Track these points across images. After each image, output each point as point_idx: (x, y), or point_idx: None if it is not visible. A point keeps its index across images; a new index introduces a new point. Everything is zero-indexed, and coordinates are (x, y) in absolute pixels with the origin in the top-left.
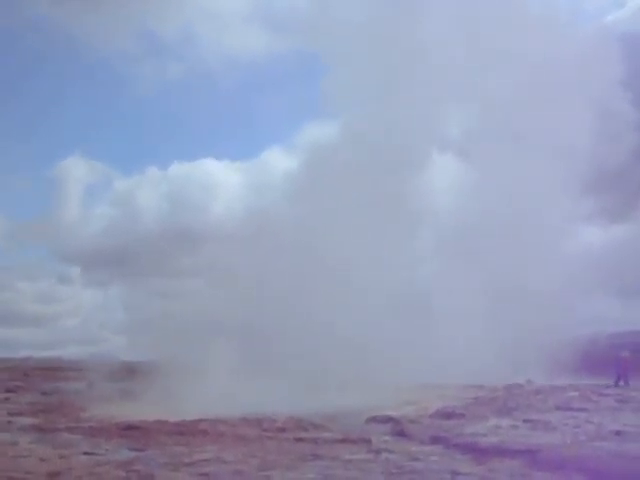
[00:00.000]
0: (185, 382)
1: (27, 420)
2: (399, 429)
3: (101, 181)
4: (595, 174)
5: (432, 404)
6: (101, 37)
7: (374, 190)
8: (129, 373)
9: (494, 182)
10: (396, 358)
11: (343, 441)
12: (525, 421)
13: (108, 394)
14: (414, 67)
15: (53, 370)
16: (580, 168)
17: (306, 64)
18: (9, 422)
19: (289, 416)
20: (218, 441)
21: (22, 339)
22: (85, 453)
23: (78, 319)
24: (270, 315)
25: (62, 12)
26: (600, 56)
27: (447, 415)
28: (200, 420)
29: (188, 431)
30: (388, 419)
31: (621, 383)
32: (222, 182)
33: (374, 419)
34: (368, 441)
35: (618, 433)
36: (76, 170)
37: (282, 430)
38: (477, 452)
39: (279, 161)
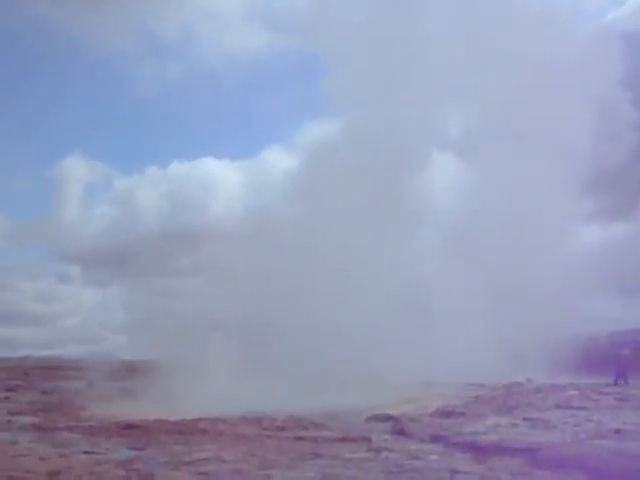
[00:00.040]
0: (185, 381)
1: (27, 419)
2: (399, 428)
3: (101, 181)
4: (595, 174)
5: (432, 403)
6: (101, 37)
7: (374, 190)
8: (129, 372)
9: (494, 182)
10: (396, 357)
11: (343, 440)
12: (525, 419)
13: (108, 393)
14: (414, 67)
15: (53, 369)
16: (580, 168)
17: (306, 64)
18: (9, 421)
19: (289, 415)
20: (218, 440)
21: (22, 338)
22: (85, 452)
23: (78, 318)
24: (270, 314)
25: (62, 12)
26: (600, 55)
27: (447, 414)
28: (200, 419)
29: (188, 430)
30: (388, 418)
31: (621, 381)
32: (222, 181)
33: (374, 418)
34: (368, 440)
35: (618, 431)
36: (76, 170)
37: (282, 429)
38: (477, 451)
39: (279, 160)
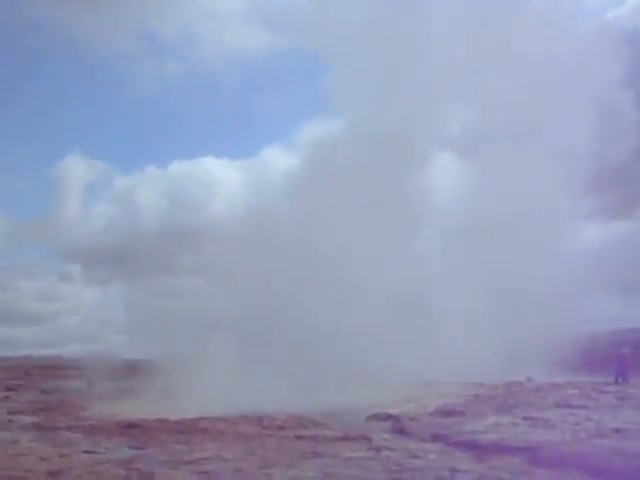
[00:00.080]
0: (185, 380)
1: (27, 419)
2: (399, 427)
3: (101, 180)
4: (595, 173)
5: (432, 402)
6: (101, 37)
7: (374, 189)
8: (129, 371)
9: (494, 181)
10: (396, 357)
11: (343, 439)
12: (525, 418)
13: (108, 392)
14: (414, 67)
15: (53, 369)
16: (580, 167)
17: (305, 63)
18: (9, 421)
19: (289, 414)
20: (218, 439)
21: (23, 337)
22: (85, 452)
23: (78, 317)
24: (270, 313)
25: (62, 12)
26: (600, 55)
27: (447, 413)
28: (200, 418)
29: (188, 429)
30: (388, 417)
31: (620, 380)
32: (222, 180)
33: (374, 417)
34: (368, 439)
35: (618, 430)
36: (76, 169)
37: (282, 428)
38: (477, 450)
39: (278, 159)
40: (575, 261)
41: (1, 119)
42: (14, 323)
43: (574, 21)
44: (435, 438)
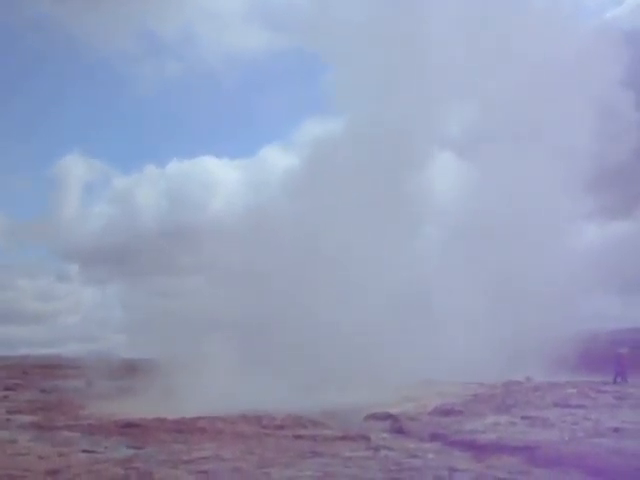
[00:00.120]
0: (185, 380)
1: (26, 418)
2: (398, 426)
3: (100, 179)
4: (595, 173)
5: (431, 401)
6: (101, 37)
7: (374, 189)
8: (128, 371)
9: (494, 181)
10: (396, 356)
11: (342, 438)
12: (523, 418)
13: (107, 392)
14: (414, 67)
15: (52, 368)
16: (580, 167)
17: (304, 63)
18: (8, 420)
19: (288, 413)
20: (217, 438)
21: (21, 337)
22: (84, 451)
23: (77, 317)
24: (270, 313)
25: (62, 11)
26: (600, 55)
27: (446, 412)
28: (199, 418)
29: (187, 429)
30: (387, 416)
31: (619, 380)
32: (221, 180)
33: (373, 416)
34: (367, 438)
35: (616, 430)
36: (75, 168)
37: (281, 427)
38: (476, 449)
39: (277, 159)
40: (575, 261)
41: (1, 119)
42: (13, 322)
43: (574, 21)
44: (434, 437)
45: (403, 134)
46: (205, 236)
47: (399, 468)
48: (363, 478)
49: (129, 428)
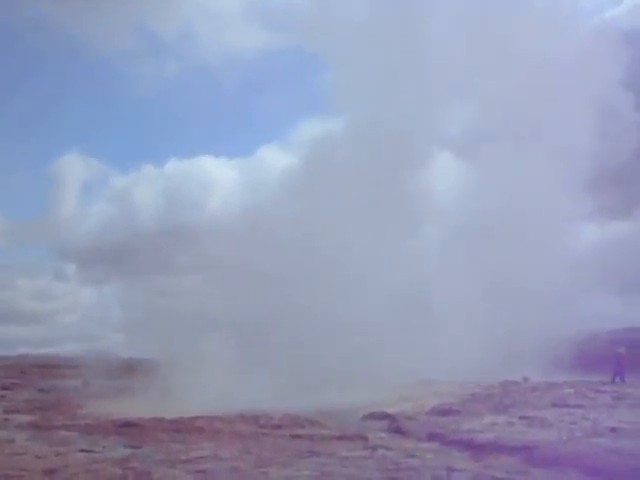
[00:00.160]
0: (183, 379)
1: (24, 417)
2: (396, 426)
3: (98, 178)
4: (595, 172)
5: (429, 401)
6: (100, 36)
7: (374, 189)
8: (126, 370)
9: (494, 181)
10: (395, 356)
11: (340, 438)
12: (521, 418)
13: (105, 391)
14: (414, 67)
15: (50, 367)
16: (580, 167)
17: (302, 63)
18: (5, 419)
19: (286, 413)
20: (215, 438)
21: (19, 336)
22: (81, 450)
23: (75, 316)
24: (268, 313)
25: (61, 11)
26: (599, 55)
27: (443, 412)
28: (197, 417)
29: (185, 428)
30: (385, 416)
31: (618, 380)
32: (219, 179)
33: (371, 416)
34: (365, 438)
35: (613, 430)
36: (73, 168)
37: (279, 427)
38: (473, 449)
39: (275, 158)
40: (574, 261)
41: (0, 119)
42: (11, 322)
43: (573, 21)
44: (431, 437)
45: (403, 134)
46: (203, 235)
47: (397, 468)
48: (361, 478)
49: (127, 428)
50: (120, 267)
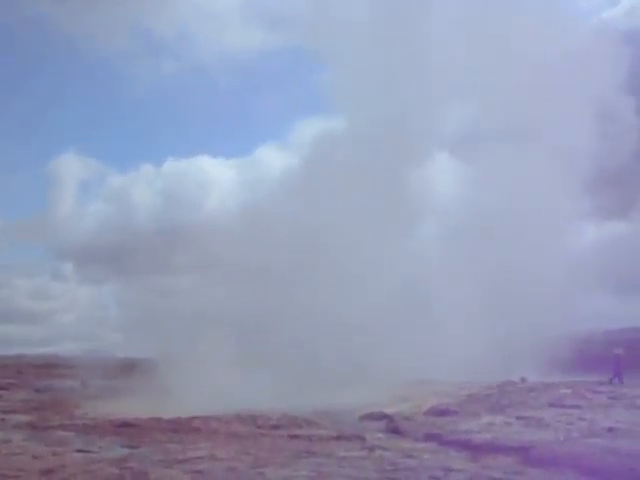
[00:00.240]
0: (181, 379)
1: (20, 417)
2: (393, 426)
3: (96, 178)
4: (593, 173)
5: (426, 401)
6: (97, 36)
7: (373, 188)
8: (124, 370)
9: (494, 181)
10: (394, 355)
11: (337, 438)
12: (518, 418)
13: (102, 391)
14: (414, 66)
15: (47, 367)
16: (580, 167)
17: (300, 62)
18: (2, 420)
19: (283, 413)
20: (212, 438)
21: (17, 336)
22: (79, 450)
23: (73, 316)
24: (267, 312)
25: (60, 11)
26: (599, 55)
27: (441, 412)
28: (194, 417)
29: (182, 428)
30: (382, 416)
31: (616, 381)
32: (217, 178)
33: (368, 416)
34: (362, 438)
35: (610, 430)
36: (71, 167)
37: (276, 427)
38: (471, 449)
39: (273, 158)
40: (573, 261)
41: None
42: (8, 321)
43: (572, 21)
44: (429, 437)
45: (402, 133)
46: (201, 235)
47: (394, 468)
48: (358, 478)
49: (124, 428)
50: (118, 266)
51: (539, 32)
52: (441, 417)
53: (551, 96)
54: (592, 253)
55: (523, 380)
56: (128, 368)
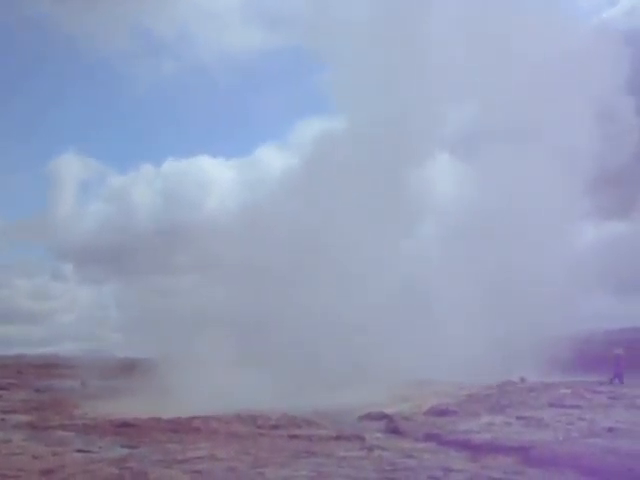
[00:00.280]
0: (180, 379)
1: (20, 417)
2: (393, 426)
3: (96, 178)
4: (594, 173)
5: (426, 401)
6: (98, 36)
7: (373, 188)
8: (124, 370)
9: (494, 181)
10: (394, 355)
11: (337, 438)
12: (518, 418)
13: (102, 391)
14: (414, 66)
15: (47, 367)
16: (580, 167)
17: (300, 62)
18: (2, 420)
19: (283, 413)
20: (211, 438)
21: (17, 336)
22: (78, 450)
23: (73, 316)
24: (266, 312)
25: (60, 11)
26: (599, 55)
27: (441, 412)
28: (194, 417)
29: (182, 428)
30: (382, 416)
31: (617, 381)
32: (217, 179)
33: (368, 416)
34: (362, 438)
35: (610, 430)
36: (71, 167)
37: (276, 427)
38: (471, 449)
39: (273, 158)
40: (572, 261)
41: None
42: (8, 321)
43: (572, 21)
44: (428, 437)
45: (403, 133)
46: (201, 235)
47: (394, 468)
48: (358, 478)
49: (124, 428)
50: (118, 266)
51: (539, 32)
52: (441, 417)
53: (551, 96)
54: (592, 253)
55: (523, 380)
56: (128, 368)
